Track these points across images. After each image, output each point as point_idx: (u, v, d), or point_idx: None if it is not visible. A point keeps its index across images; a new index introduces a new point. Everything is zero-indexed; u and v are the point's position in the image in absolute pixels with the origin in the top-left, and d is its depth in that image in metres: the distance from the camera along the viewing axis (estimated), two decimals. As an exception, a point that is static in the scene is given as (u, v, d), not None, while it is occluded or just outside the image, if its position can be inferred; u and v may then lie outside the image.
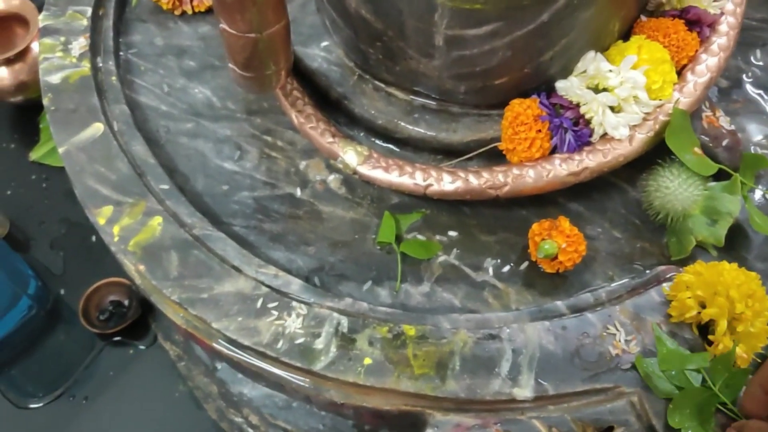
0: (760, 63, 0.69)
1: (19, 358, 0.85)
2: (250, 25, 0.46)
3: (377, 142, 0.63)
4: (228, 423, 0.82)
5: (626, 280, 0.56)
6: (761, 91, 0.67)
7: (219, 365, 0.80)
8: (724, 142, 0.59)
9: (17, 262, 0.85)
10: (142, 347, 0.87)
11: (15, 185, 0.99)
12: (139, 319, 0.86)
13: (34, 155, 1.01)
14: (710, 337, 0.51)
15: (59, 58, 0.64)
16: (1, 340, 0.84)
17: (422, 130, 0.60)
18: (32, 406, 0.83)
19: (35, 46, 0.95)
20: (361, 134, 0.63)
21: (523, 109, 0.56)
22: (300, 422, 0.78)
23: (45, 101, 0.62)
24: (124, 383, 0.84)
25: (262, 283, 0.52)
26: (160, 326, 0.87)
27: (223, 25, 0.47)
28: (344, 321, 0.51)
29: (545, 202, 0.60)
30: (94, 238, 0.92)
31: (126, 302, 0.87)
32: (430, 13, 0.50)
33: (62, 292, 0.90)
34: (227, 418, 0.81)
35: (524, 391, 0.49)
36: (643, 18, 0.60)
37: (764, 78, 0.67)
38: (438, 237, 0.59)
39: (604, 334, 0.51)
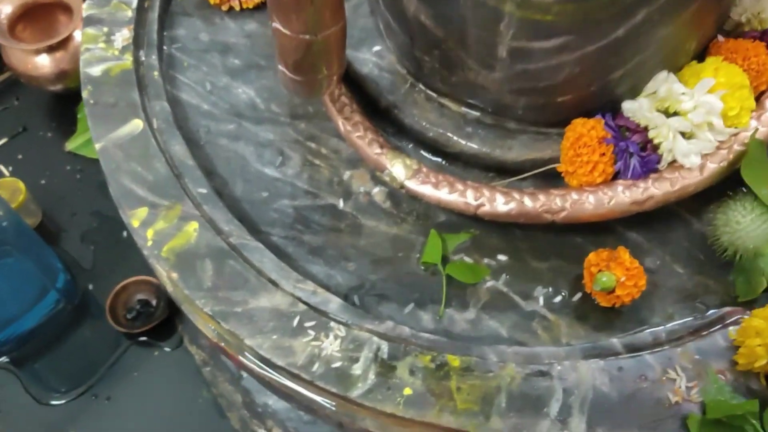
0: (842, 91, 0.64)
1: (43, 353, 0.84)
2: (305, 26, 0.43)
3: (426, 155, 0.60)
4: (250, 434, 0.80)
5: (688, 319, 0.52)
6: (842, 122, 0.62)
7: (245, 374, 0.78)
8: (804, 176, 0.55)
9: (48, 255, 0.84)
10: (167, 349, 0.85)
11: (49, 175, 0.98)
12: (166, 320, 0.85)
13: (71, 145, 1.00)
14: (781, 389, 0.47)
15: (101, 49, 0.62)
16: (27, 333, 0.83)
17: (475, 146, 0.57)
18: (54, 402, 0.81)
19: (78, 35, 0.94)
20: (410, 146, 0.60)
21: (587, 130, 0.52)
22: (324, 438, 0.75)
23: (84, 94, 0.60)
24: (148, 385, 0.82)
25: (300, 300, 0.50)
26: (187, 329, 0.85)
27: (277, 25, 0.44)
28: (384, 346, 0.48)
29: (602, 229, 0.56)
30: (125, 234, 0.91)
31: (154, 302, 0.86)
32: (495, 23, 0.47)
33: (90, 287, 0.89)
34: (250, 428, 0.79)
35: (575, 435, 0.45)
36: (720, 38, 0.56)
37: None
38: (486, 260, 0.55)
39: (664, 378, 0.48)
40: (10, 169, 0.98)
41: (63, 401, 0.81)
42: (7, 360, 0.83)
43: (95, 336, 0.86)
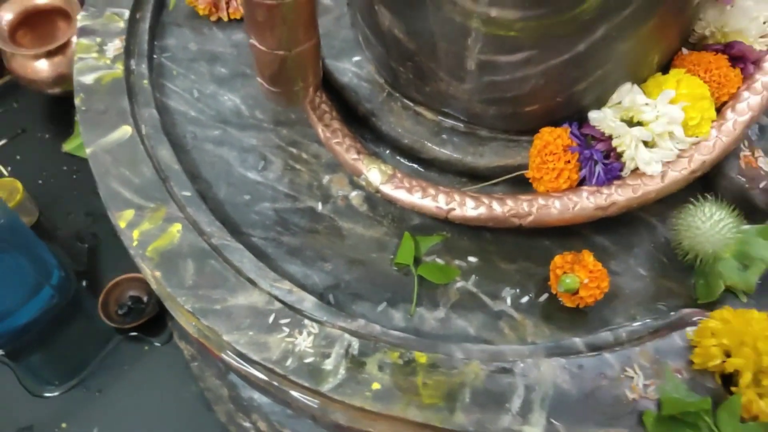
0: (806, 102, 0.66)
1: (37, 347, 0.87)
2: (279, 43, 0.46)
3: (402, 161, 0.62)
4: (236, 427, 0.82)
5: (649, 320, 0.54)
6: (805, 132, 0.64)
7: (231, 370, 0.81)
8: (762, 184, 0.57)
9: (43, 252, 0.87)
10: (157, 344, 0.88)
11: (47, 175, 1.01)
12: (156, 316, 0.87)
13: (67, 146, 1.03)
14: (733, 388, 0.49)
15: (94, 59, 0.65)
16: (22, 327, 0.86)
17: (448, 152, 0.59)
18: (47, 394, 0.84)
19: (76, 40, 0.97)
20: (387, 152, 0.62)
21: (553, 139, 0.55)
22: (307, 432, 0.78)
23: (77, 101, 0.63)
24: (138, 378, 0.85)
25: (276, 298, 0.52)
26: (177, 325, 0.87)
27: (253, 41, 0.47)
28: (355, 343, 0.50)
29: (569, 233, 0.58)
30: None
31: (145, 298, 0.88)
32: (463, 37, 0.49)
33: (84, 284, 0.92)
34: (236, 421, 0.82)
35: (534, 429, 0.47)
36: (684, 51, 0.58)
37: (809, 118, 0.65)
38: (457, 262, 0.58)
39: (622, 376, 0.50)
40: (9, 169, 1.01)
41: (56, 393, 0.84)
42: (2, 353, 0.86)
43: (88, 331, 0.88)
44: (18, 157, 1.02)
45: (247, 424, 0.81)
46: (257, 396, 0.80)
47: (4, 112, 1.07)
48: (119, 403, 0.83)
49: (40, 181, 1.00)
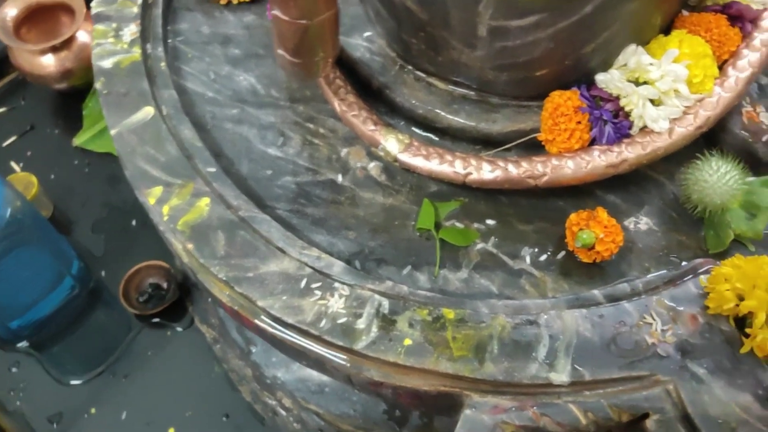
0: (802, 59, 0.68)
1: (61, 336, 0.88)
2: (302, 12, 0.48)
3: (417, 131, 0.64)
4: (261, 405, 0.84)
5: (663, 271, 0.56)
6: (803, 88, 0.67)
7: (254, 348, 0.82)
8: (764, 138, 0.59)
9: (61, 243, 0.88)
10: (179, 329, 0.89)
11: (58, 169, 1.02)
12: (176, 301, 0.89)
13: (78, 141, 1.04)
14: (747, 330, 0.51)
15: (111, 44, 0.66)
16: (45, 317, 0.87)
17: (462, 120, 0.61)
18: (73, 382, 0.86)
19: (80, 35, 0.98)
20: (402, 123, 0.64)
21: (564, 101, 0.57)
22: (331, 407, 0.80)
23: (97, 85, 0.64)
24: (162, 363, 0.86)
25: (306, 264, 0.54)
26: (197, 309, 0.89)
27: (276, 12, 0.48)
28: (385, 303, 0.52)
29: (583, 193, 0.60)
30: (133, 222, 0.95)
31: (164, 285, 0.90)
32: (474, 4, 0.51)
33: (102, 273, 0.93)
34: (261, 400, 0.83)
35: (561, 375, 0.49)
36: (685, 13, 0.60)
37: (806, 74, 0.67)
38: (476, 225, 0.60)
39: (641, 323, 0.52)
40: (21, 165, 1.02)
41: (82, 381, 0.85)
42: (27, 344, 0.88)
43: (110, 319, 0.90)
44: (29, 153, 1.03)
45: (272, 402, 0.83)
46: (281, 374, 0.82)
47: (12, 109, 1.08)
48: (146, 388, 0.85)
49: (52, 176, 1.01)
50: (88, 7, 0.75)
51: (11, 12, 0.97)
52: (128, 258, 0.91)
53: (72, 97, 1.04)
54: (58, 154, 1.03)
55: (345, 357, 0.52)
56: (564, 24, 0.52)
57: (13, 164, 1.01)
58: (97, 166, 1.01)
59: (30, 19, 1.00)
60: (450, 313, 0.52)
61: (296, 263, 0.54)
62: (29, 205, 0.81)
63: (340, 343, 0.51)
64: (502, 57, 0.56)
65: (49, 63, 0.98)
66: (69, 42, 0.98)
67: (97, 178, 1.00)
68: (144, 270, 0.89)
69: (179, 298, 0.89)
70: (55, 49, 0.98)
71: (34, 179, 0.93)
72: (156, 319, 0.89)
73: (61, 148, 1.03)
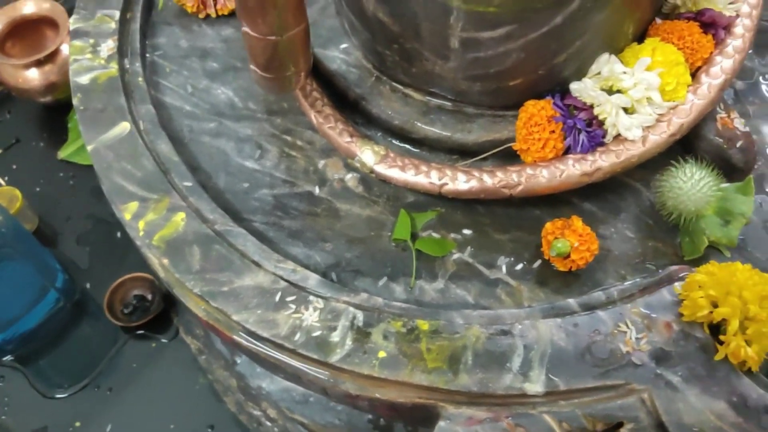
0: (778, 65, 0.69)
1: (46, 349, 0.88)
2: (270, 28, 0.48)
3: (394, 142, 0.64)
4: (246, 416, 0.84)
5: (638, 279, 0.56)
6: (778, 93, 0.67)
7: (238, 359, 0.82)
8: (738, 144, 0.60)
9: (46, 257, 0.88)
10: (164, 340, 0.89)
11: (43, 182, 1.02)
12: (161, 313, 0.89)
13: (62, 153, 1.04)
14: (721, 337, 0.51)
15: (88, 59, 0.66)
16: (30, 331, 0.87)
17: (438, 131, 0.61)
18: (58, 395, 0.86)
19: (64, 48, 0.99)
20: (379, 134, 0.64)
21: (537, 110, 0.57)
22: (316, 417, 0.80)
23: (75, 101, 0.65)
24: (147, 375, 0.86)
25: (281, 278, 0.54)
26: (182, 320, 0.89)
27: (245, 28, 0.49)
28: (360, 315, 0.52)
29: (559, 201, 0.61)
30: (118, 234, 0.95)
31: (149, 296, 0.90)
32: (445, 16, 0.52)
33: (88, 285, 0.94)
34: (246, 411, 0.83)
35: (535, 386, 0.50)
36: (658, 20, 0.61)
37: (781, 80, 0.68)
38: (452, 235, 0.60)
39: (616, 331, 0.52)
40: (6, 179, 1.02)
41: (67, 394, 0.85)
42: (12, 358, 0.87)
43: (95, 331, 0.90)
44: (14, 167, 1.04)
45: (257, 413, 0.83)
46: (266, 384, 0.82)
47: (-2, 123, 1.08)
48: (131, 400, 0.85)
49: (37, 189, 1.01)
50: (72, 21, 0.75)
51: (-5, 28, 0.98)
52: (113, 270, 0.91)
53: (57, 110, 1.05)
54: (43, 167, 1.03)
55: (320, 370, 0.52)
56: (534, 35, 0.52)
57: (-2, 178, 1.02)
58: (82, 178, 1.01)
59: (14, 33, 1.00)
60: (424, 325, 0.52)
61: (271, 276, 0.54)
62: (12, 219, 0.81)
63: (315, 357, 0.51)
64: (474, 68, 0.56)
65: (33, 77, 0.99)
66: (53, 56, 0.98)
67: (82, 190, 1.01)
68: (128, 282, 0.90)
69: (164, 309, 0.89)
70: (39, 63, 0.98)
71: (18, 193, 0.93)
72: (141, 331, 0.89)
73: (46, 161, 1.03)
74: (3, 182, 1.01)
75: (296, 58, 0.53)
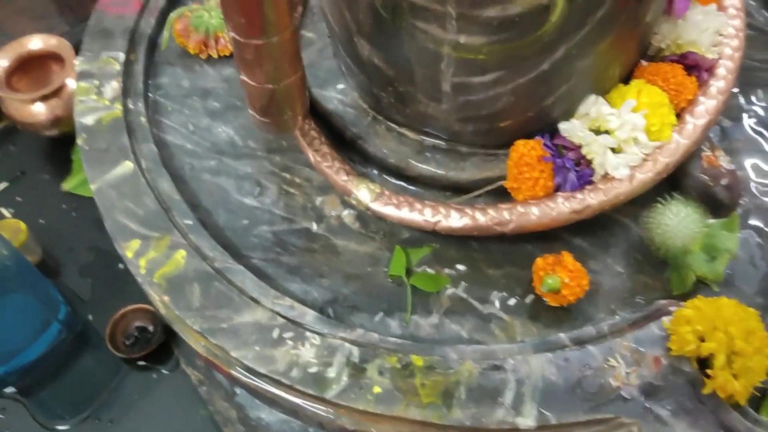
0: (762, 103, 0.71)
1: (48, 381, 0.89)
2: (267, 78, 0.50)
3: (389, 179, 0.66)
4: (246, 447, 0.85)
5: (628, 314, 0.58)
6: (762, 130, 0.69)
7: (238, 390, 0.83)
8: (723, 181, 0.61)
9: (49, 289, 0.89)
10: (165, 372, 0.90)
11: (48, 214, 1.04)
12: (162, 344, 0.90)
13: (67, 186, 1.06)
14: (708, 371, 0.52)
15: (93, 101, 0.69)
16: (32, 363, 0.88)
17: (432, 169, 0.63)
18: (60, 427, 0.86)
19: (70, 83, 1.01)
20: (375, 172, 0.66)
21: (527, 150, 0.59)
22: (315, 448, 0.80)
23: (79, 141, 0.66)
24: (148, 406, 0.87)
25: (279, 314, 0.56)
26: (183, 352, 0.90)
27: (243, 77, 0.51)
28: (355, 351, 0.54)
29: (551, 237, 0.62)
30: (121, 266, 0.96)
31: (150, 328, 0.91)
32: (436, 63, 0.54)
33: (90, 317, 0.94)
34: (245, 442, 0.84)
35: (527, 420, 0.51)
36: (644, 62, 0.63)
37: (766, 118, 0.70)
38: (447, 270, 0.61)
39: (605, 366, 0.53)
40: (12, 211, 1.04)
41: (68, 426, 0.86)
42: (14, 390, 0.88)
43: (96, 363, 0.91)
44: (19, 199, 1.05)
45: (256, 444, 0.83)
46: (265, 415, 0.83)
47: (3, 156, 1.10)
48: (131, 431, 0.85)
49: (41, 221, 1.03)
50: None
51: (2, 62, 1.00)
52: (115, 301, 0.92)
53: (61, 142, 1.06)
54: (48, 199, 1.05)
55: (316, 405, 0.53)
56: (523, 80, 0.54)
57: (3, 210, 1.03)
58: (85, 210, 1.03)
59: (21, 69, 1.03)
60: (419, 360, 0.53)
61: (269, 313, 0.55)
62: (16, 252, 0.82)
63: (311, 392, 0.52)
64: (466, 110, 0.58)
65: (39, 111, 1.01)
66: (59, 91, 1.00)
67: (85, 222, 1.02)
68: (130, 314, 0.91)
69: (165, 340, 0.90)
70: (45, 98, 1.00)
71: (23, 226, 0.95)
72: (142, 362, 0.90)
73: (51, 193, 1.05)
74: (8, 215, 1.03)
75: (293, 104, 0.55)
